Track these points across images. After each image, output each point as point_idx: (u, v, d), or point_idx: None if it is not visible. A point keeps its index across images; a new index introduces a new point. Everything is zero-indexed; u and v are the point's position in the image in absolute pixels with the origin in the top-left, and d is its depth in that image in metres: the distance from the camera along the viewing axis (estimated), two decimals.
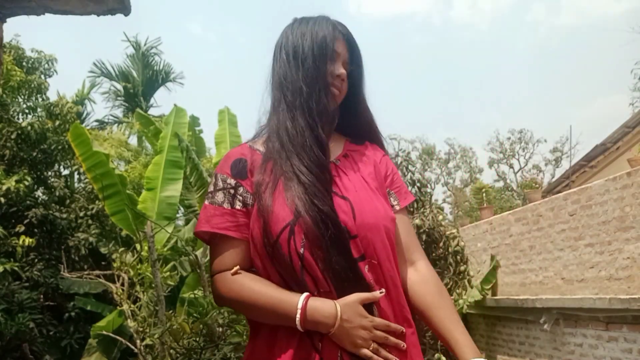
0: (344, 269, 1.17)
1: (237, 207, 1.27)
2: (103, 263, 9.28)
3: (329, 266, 1.17)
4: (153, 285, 4.60)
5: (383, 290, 1.21)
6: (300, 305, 1.15)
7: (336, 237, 1.18)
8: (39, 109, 10.49)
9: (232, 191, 1.28)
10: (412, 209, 7.36)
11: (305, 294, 1.17)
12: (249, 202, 1.27)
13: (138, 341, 4.87)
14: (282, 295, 1.18)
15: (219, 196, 1.28)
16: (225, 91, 38.62)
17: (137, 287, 4.94)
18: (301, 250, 1.18)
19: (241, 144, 1.42)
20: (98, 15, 2.66)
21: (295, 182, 1.22)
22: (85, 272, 6.80)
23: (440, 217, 7.70)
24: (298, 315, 1.15)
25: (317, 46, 1.32)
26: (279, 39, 1.41)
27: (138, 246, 5.47)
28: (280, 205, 1.21)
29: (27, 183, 8.96)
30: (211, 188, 1.32)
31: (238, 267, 1.24)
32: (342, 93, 1.38)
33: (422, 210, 7.50)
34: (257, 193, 1.24)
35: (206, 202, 1.29)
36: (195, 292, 6.29)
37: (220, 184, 1.30)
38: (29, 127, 9.49)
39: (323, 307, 1.16)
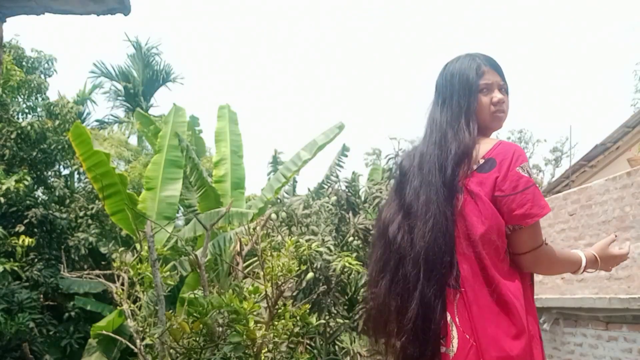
0: None
1: None
2: (103, 263, 9.27)
3: None
4: (153, 285, 4.59)
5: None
6: (583, 259, 1.79)
7: None
8: (39, 109, 10.49)
9: None
10: None
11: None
12: None
13: (138, 341, 4.86)
14: (570, 252, 1.79)
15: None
16: (226, 92, 38.57)
17: (137, 287, 4.93)
18: None
19: None
20: (98, 15, 2.67)
21: None
22: (85, 272, 6.78)
23: None
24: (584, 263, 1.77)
25: (462, 86, 1.60)
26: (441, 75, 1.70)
27: (138, 246, 5.47)
28: None
29: (27, 183, 8.95)
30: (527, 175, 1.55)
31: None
32: (506, 113, 1.65)
33: None
34: None
35: (536, 185, 1.56)
36: (195, 291, 6.28)
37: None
38: (29, 127, 9.49)
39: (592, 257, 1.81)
